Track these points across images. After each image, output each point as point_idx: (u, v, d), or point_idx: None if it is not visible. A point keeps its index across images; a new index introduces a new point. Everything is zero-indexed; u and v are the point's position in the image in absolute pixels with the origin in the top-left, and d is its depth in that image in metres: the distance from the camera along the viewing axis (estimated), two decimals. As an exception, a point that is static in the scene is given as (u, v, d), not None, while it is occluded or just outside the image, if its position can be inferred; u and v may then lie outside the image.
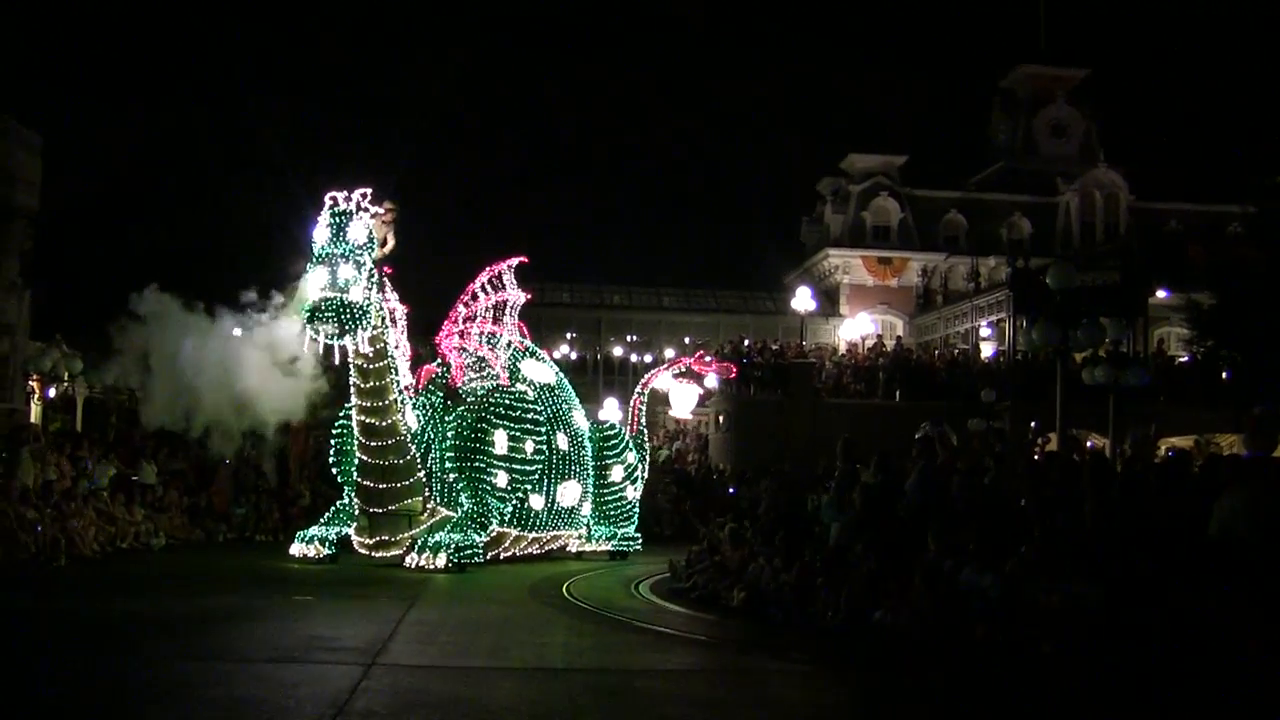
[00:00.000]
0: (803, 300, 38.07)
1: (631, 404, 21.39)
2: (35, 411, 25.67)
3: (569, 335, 45.15)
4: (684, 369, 21.89)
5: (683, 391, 22.46)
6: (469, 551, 15.89)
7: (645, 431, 21.22)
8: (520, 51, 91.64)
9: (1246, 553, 9.02)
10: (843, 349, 40.72)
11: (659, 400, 23.85)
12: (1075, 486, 11.70)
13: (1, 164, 26.51)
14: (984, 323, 38.58)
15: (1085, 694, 8.57)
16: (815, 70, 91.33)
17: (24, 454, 17.91)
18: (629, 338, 45.48)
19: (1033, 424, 26.86)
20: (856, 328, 44.20)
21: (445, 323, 18.00)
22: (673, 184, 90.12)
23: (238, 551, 19.42)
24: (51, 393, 26.45)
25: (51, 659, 9.02)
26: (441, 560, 15.53)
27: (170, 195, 28.47)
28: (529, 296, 19.13)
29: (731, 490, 27.05)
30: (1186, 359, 34.01)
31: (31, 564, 15.56)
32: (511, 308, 18.51)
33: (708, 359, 22.77)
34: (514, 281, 18.53)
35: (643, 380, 21.85)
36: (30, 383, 25.77)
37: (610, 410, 21.34)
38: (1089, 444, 25.13)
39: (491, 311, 18.20)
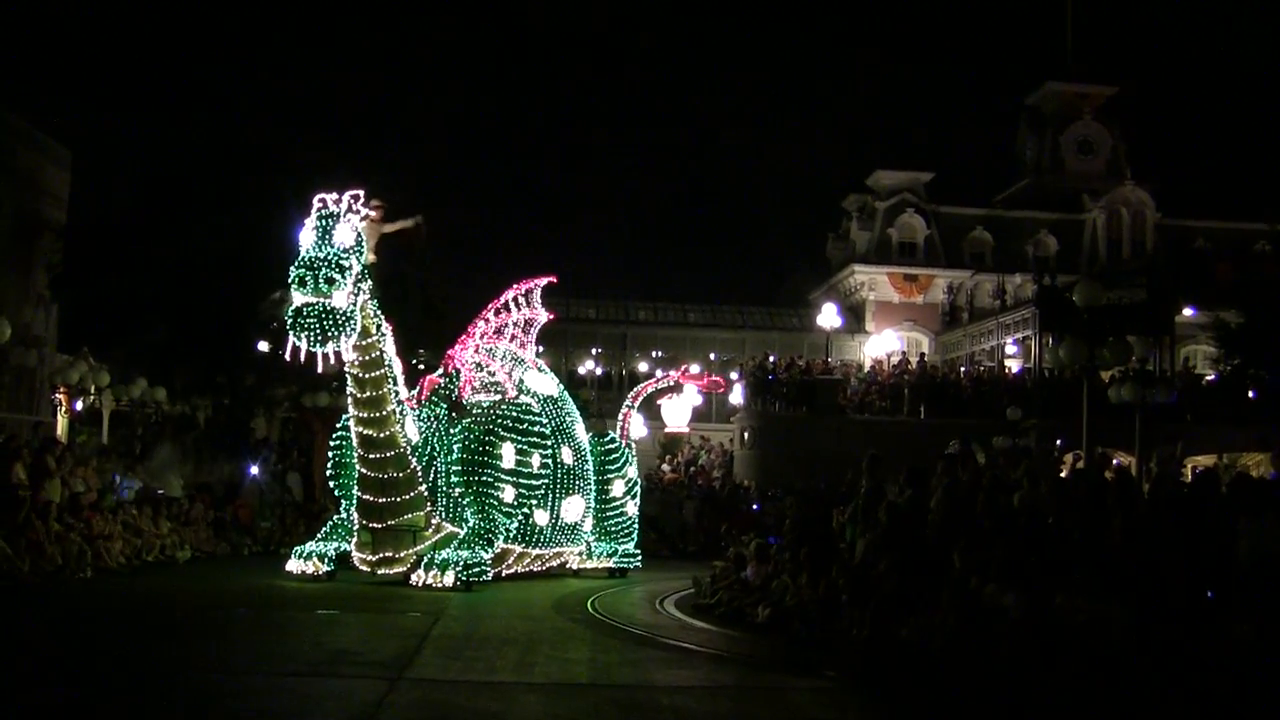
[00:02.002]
0: (828, 317, 38.02)
1: (621, 416, 20.92)
2: (62, 424, 25.82)
3: (595, 351, 45.04)
4: (677, 382, 21.82)
5: (675, 405, 22.33)
6: (477, 569, 15.33)
7: (634, 444, 20.70)
8: (548, 69, 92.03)
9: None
10: (868, 366, 40.59)
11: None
12: (1102, 504, 11.63)
13: (31, 178, 26.76)
14: (1010, 340, 38.39)
15: (1111, 714, 8.50)
16: (842, 87, 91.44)
17: (51, 466, 18.02)
18: (654, 354, 45.28)
19: (1058, 442, 26.72)
20: (882, 344, 44.05)
21: (463, 335, 17.83)
22: (699, 200, 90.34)
23: (263, 565, 19.36)
24: (79, 405, 26.59)
25: (76, 670, 9.05)
26: (449, 578, 15.01)
27: (198, 209, 28.49)
28: (553, 316, 19.03)
29: (756, 506, 27.02)
30: (1213, 377, 33.87)
31: (58, 576, 15.63)
32: (533, 326, 18.45)
33: (723, 376, 22.66)
34: (540, 301, 18.48)
35: (633, 392, 21.60)
36: (57, 395, 25.92)
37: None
38: (1115, 462, 25.00)
39: (512, 328, 18.14)
